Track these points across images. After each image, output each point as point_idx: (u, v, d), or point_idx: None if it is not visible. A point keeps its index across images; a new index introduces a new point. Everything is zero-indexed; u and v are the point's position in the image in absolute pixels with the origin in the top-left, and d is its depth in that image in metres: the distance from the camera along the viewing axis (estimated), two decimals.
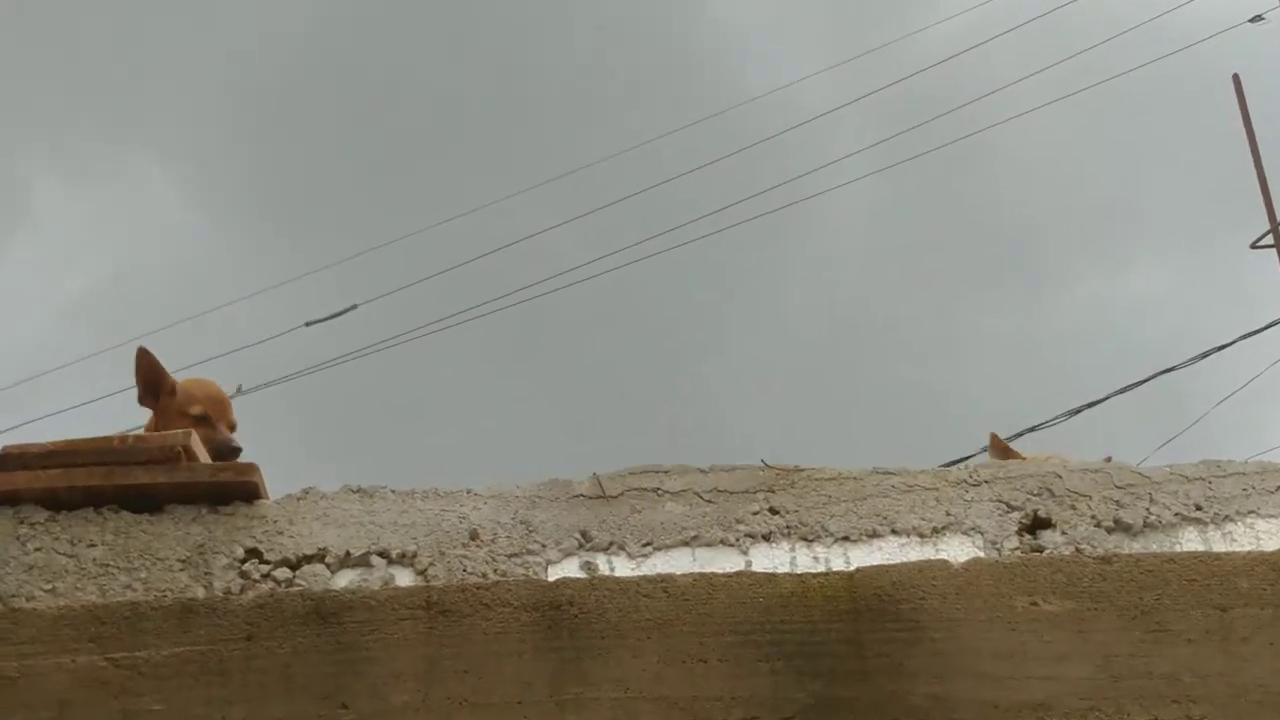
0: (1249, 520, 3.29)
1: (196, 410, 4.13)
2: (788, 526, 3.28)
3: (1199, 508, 3.30)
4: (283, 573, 3.15)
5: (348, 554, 3.18)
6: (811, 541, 3.27)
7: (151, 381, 4.17)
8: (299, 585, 3.12)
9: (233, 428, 4.21)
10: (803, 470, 3.38)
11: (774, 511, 3.30)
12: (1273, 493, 3.32)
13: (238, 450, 4.10)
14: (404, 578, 3.16)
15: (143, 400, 4.21)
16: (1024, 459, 3.89)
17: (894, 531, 3.28)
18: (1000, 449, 4.43)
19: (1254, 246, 3.86)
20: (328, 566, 3.17)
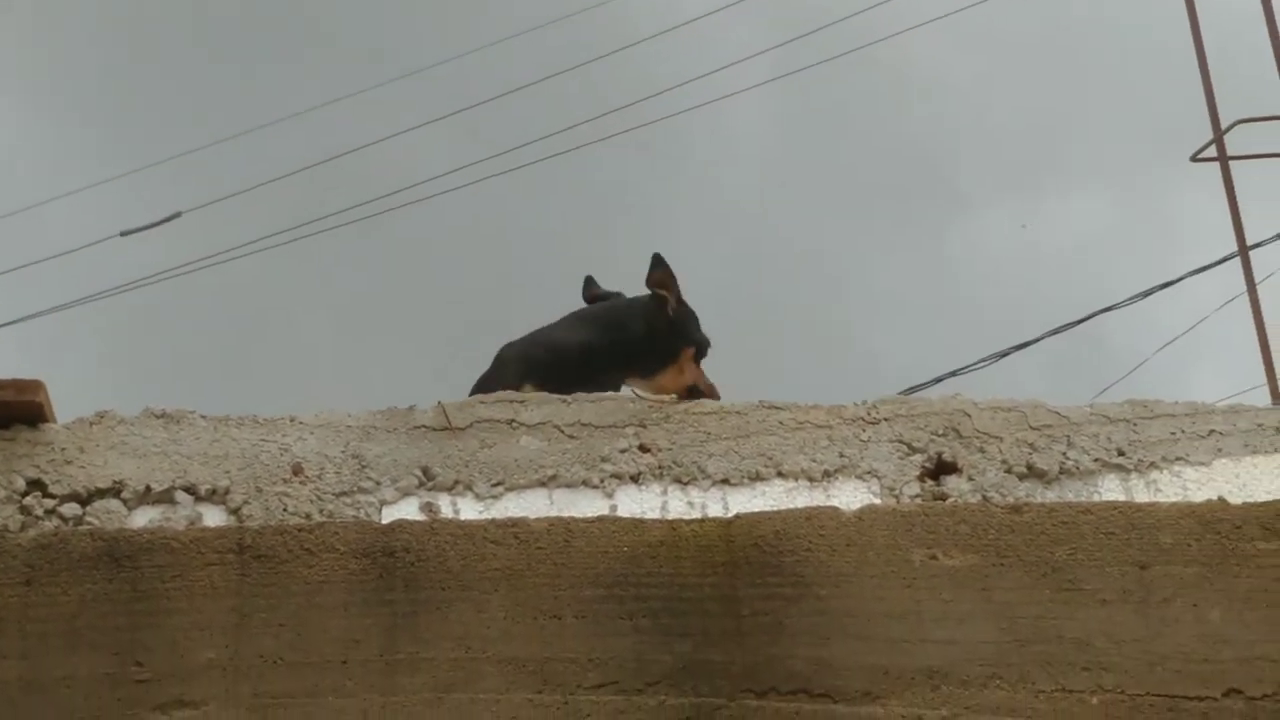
0: (1176, 468, 3.34)
1: None
2: (660, 466, 3.28)
3: (1121, 453, 3.34)
4: (71, 509, 3.09)
5: (148, 489, 3.13)
6: (686, 484, 3.27)
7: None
8: (89, 523, 3.07)
9: None
10: (679, 403, 3.38)
11: (645, 449, 3.29)
12: (1204, 437, 3.37)
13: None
14: (214, 517, 3.12)
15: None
16: None
17: (780, 474, 3.29)
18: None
19: (1195, 159, 3.92)
20: (124, 502, 3.12)
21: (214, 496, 3.14)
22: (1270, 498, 3.17)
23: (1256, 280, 3.89)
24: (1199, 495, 3.27)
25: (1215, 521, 3.03)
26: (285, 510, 3.13)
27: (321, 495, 3.16)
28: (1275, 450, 3.35)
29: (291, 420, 3.23)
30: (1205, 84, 4.03)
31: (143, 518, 3.10)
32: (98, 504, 3.10)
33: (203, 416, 3.22)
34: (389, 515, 3.14)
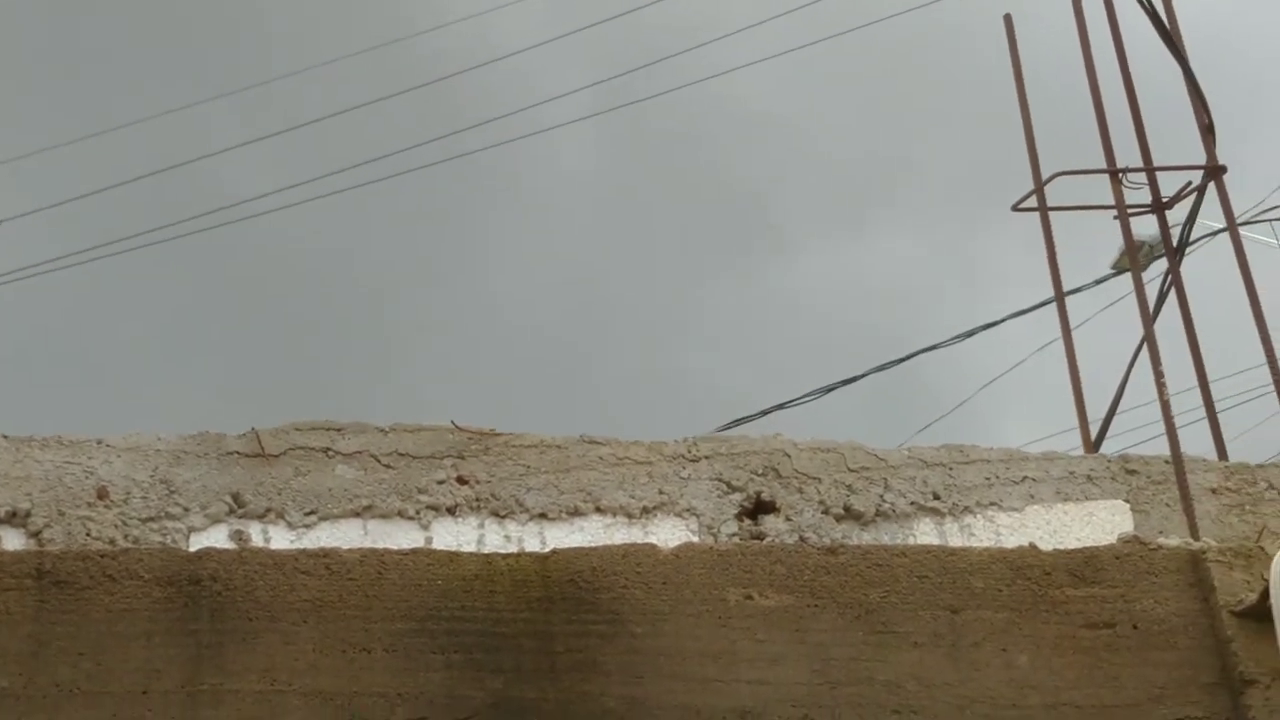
0: (989, 513, 3.40)
1: None
2: (478, 499, 3.25)
3: (937, 496, 3.39)
4: None
5: None
6: (504, 517, 3.25)
7: None
8: None
9: None
10: (499, 435, 3.36)
11: (463, 481, 3.27)
12: (1017, 483, 3.43)
13: None
14: (13, 540, 3.04)
15: None
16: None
17: (599, 510, 3.28)
18: None
19: (1016, 209, 4.00)
20: None
21: (14, 519, 3.05)
22: (1080, 545, 3.23)
23: (1071, 326, 3.98)
24: (1011, 541, 3.33)
25: (1026, 567, 3.08)
26: (88, 535, 3.05)
27: (127, 520, 3.09)
28: (1086, 498, 3.42)
29: (98, 442, 3.16)
30: (1028, 137, 4.11)
31: None
32: None
33: (4, 436, 3.13)
34: (196, 542, 3.08)
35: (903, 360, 9.43)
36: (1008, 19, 4.29)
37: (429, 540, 3.17)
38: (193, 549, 3.01)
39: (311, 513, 3.17)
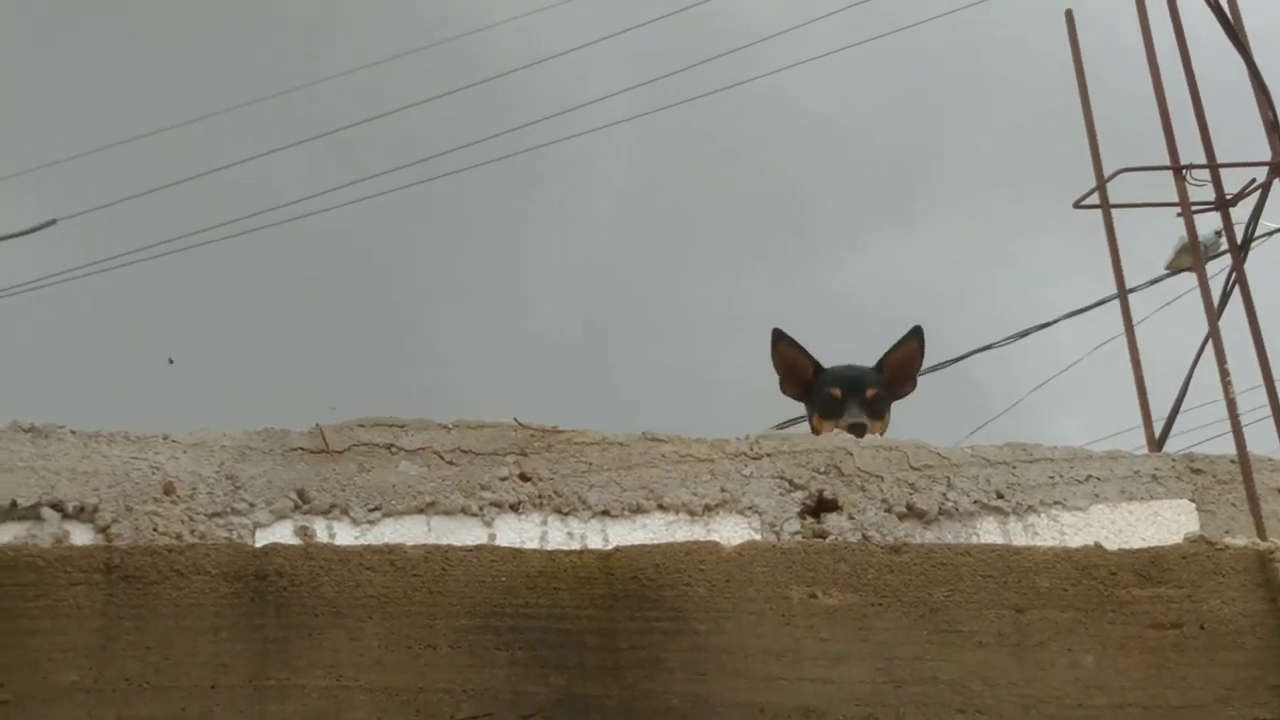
0: (1054, 512, 3.38)
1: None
2: (540, 496, 3.26)
3: (1000, 495, 3.38)
4: None
5: (14, 504, 3.05)
6: (567, 514, 3.25)
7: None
8: None
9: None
10: (561, 432, 3.36)
11: (525, 478, 3.27)
12: (1081, 482, 3.41)
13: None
14: (81, 535, 3.05)
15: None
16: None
17: (661, 507, 3.28)
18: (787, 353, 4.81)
19: (1078, 205, 3.97)
20: None
21: (82, 514, 3.07)
22: (1145, 544, 3.22)
23: (1134, 323, 3.96)
24: (1075, 540, 3.31)
25: (1091, 567, 3.06)
26: (155, 530, 3.07)
27: (193, 516, 3.10)
28: (1151, 497, 3.40)
29: (164, 438, 3.18)
30: (1089, 133, 4.08)
31: (7, 534, 3.03)
32: None
33: (72, 431, 3.15)
34: (263, 538, 3.09)
35: (957, 360, 9.44)
36: (1069, 15, 4.26)
37: (492, 537, 3.17)
38: (258, 545, 3.03)
39: (376, 509, 3.18)
